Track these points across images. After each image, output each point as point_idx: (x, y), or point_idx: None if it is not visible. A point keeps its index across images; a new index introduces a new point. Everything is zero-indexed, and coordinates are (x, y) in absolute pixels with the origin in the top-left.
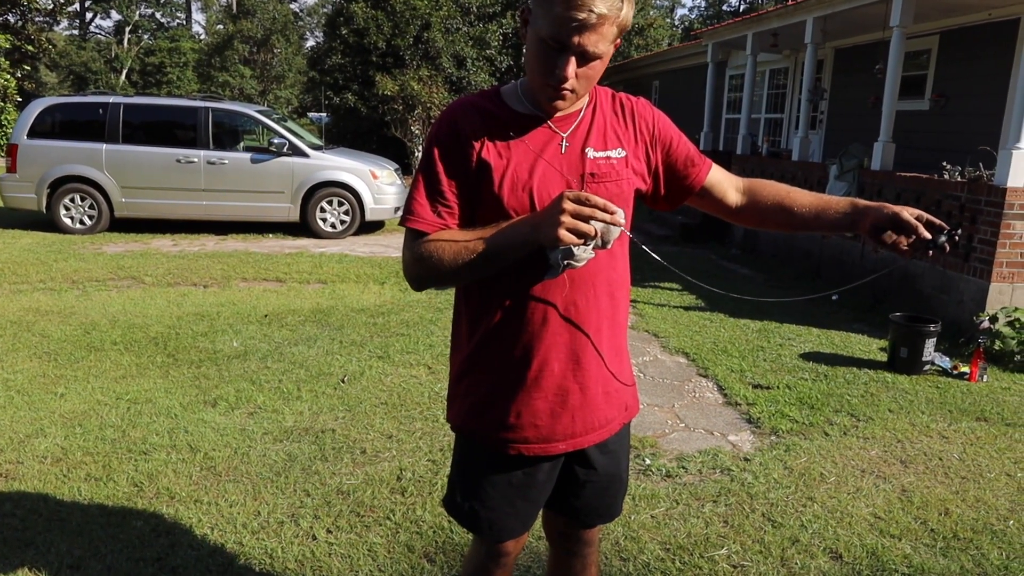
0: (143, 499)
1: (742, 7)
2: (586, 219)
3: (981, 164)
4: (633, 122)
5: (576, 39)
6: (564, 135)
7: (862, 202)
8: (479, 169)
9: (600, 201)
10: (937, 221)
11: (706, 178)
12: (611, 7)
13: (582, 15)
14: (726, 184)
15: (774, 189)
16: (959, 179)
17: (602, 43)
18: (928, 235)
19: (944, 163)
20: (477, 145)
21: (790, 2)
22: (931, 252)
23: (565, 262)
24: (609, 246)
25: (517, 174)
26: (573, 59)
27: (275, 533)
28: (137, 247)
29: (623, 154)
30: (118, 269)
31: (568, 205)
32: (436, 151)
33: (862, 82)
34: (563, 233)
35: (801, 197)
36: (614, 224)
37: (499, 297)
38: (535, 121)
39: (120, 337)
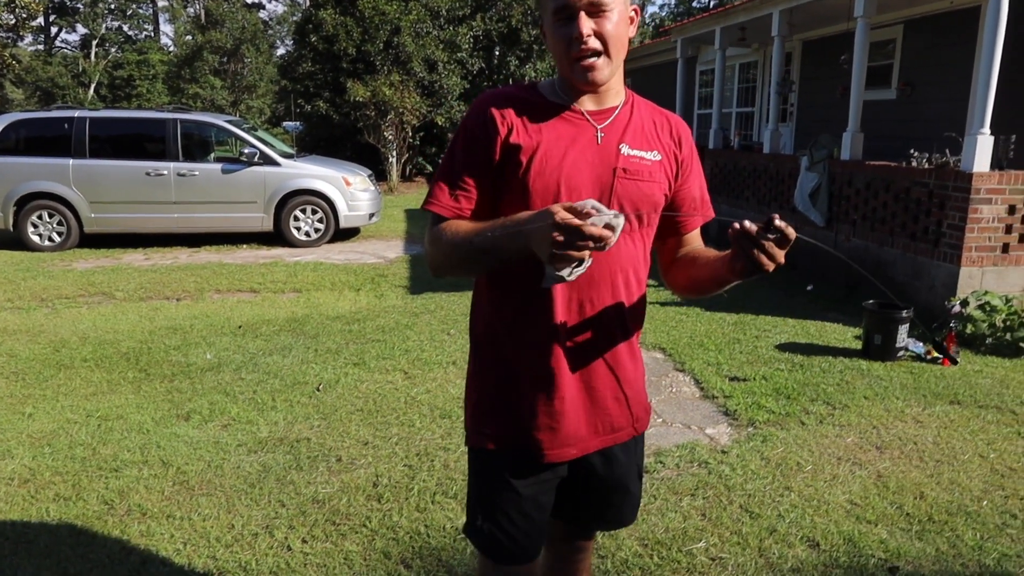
0: (114, 517)
1: (712, 3)
2: (574, 246)
3: (948, 151)
4: (671, 135)
5: None
6: (600, 127)
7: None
8: (506, 153)
9: (589, 230)
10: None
11: (698, 226)
12: None
13: None
14: (697, 240)
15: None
16: (927, 166)
17: None
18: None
19: (912, 151)
20: (505, 130)
21: None
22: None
23: (557, 277)
24: (611, 245)
25: (546, 159)
26: (583, 15)
27: (249, 545)
28: (108, 262)
29: (658, 157)
30: (88, 285)
31: (556, 234)
32: (463, 137)
33: (830, 73)
34: (553, 255)
35: (709, 252)
36: (605, 243)
37: (512, 295)
38: (571, 112)
39: (91, 354)
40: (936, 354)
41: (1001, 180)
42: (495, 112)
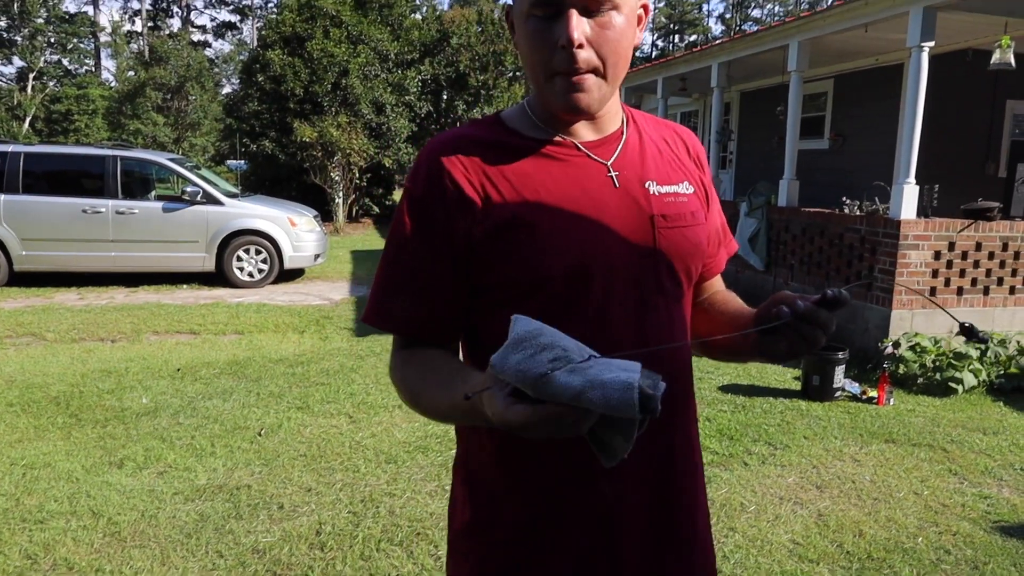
0: (38, 572)
1: (654, 53)
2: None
3: (877, 198)
4: (688, 154)
5: None
6: (609, 163)
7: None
8: (487, 234)
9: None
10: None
11: (724, 265)
12: None
13: None
14: (718, 283)
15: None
16: (858, 213)
17: None
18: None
19: (844, 198)
20: (479, 198)
21: (696, 49)
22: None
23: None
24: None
25: (556, 227)
26: (574, 13)
27: None
28: (39, 302)
29: (691, 190)
30: (16, 326)
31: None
32: (412, 215)
33: (766, 123)
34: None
35: (731, 306)
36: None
37: None
38: (563, 148)
39: (17, 398)
40: (872, 394)
41: (927, 227)
42: (458, 175)
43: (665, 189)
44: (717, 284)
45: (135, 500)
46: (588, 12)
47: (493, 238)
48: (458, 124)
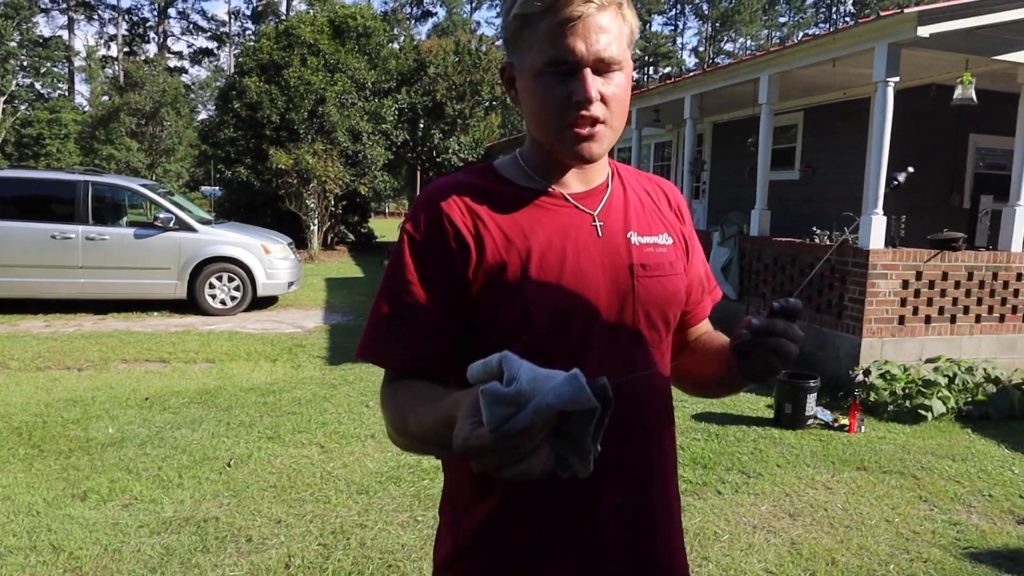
0: None
1: None
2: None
3: (846, 228)
4: (670, 206)
5: (581, 46)
6: (595, 213)
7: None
8: (482, 278)
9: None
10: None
11: (709, 311)
12: None
13: (580, 9)
14: (706, 326)
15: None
16: (828, 243)
17: (616, 44)
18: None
19: (814, 228)
20: (475, 243)
21: (670, 81)
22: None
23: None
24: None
25: (542, 269)
26: (588, 72)
27: None
28: (3, 329)
29: (670, 241)
30: None
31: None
32: (411, 254)
33: (738, 154)
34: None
35: (717, 342)
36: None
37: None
38: (552, 198)
39: None
40: (843, 421)
41: (895, 257)
42: (457, 214)
43: (646, 240)
44: (704, 328)
45: (98, 534)
46: (598, 72)
47: (483, 281)
48: (434, 152)
